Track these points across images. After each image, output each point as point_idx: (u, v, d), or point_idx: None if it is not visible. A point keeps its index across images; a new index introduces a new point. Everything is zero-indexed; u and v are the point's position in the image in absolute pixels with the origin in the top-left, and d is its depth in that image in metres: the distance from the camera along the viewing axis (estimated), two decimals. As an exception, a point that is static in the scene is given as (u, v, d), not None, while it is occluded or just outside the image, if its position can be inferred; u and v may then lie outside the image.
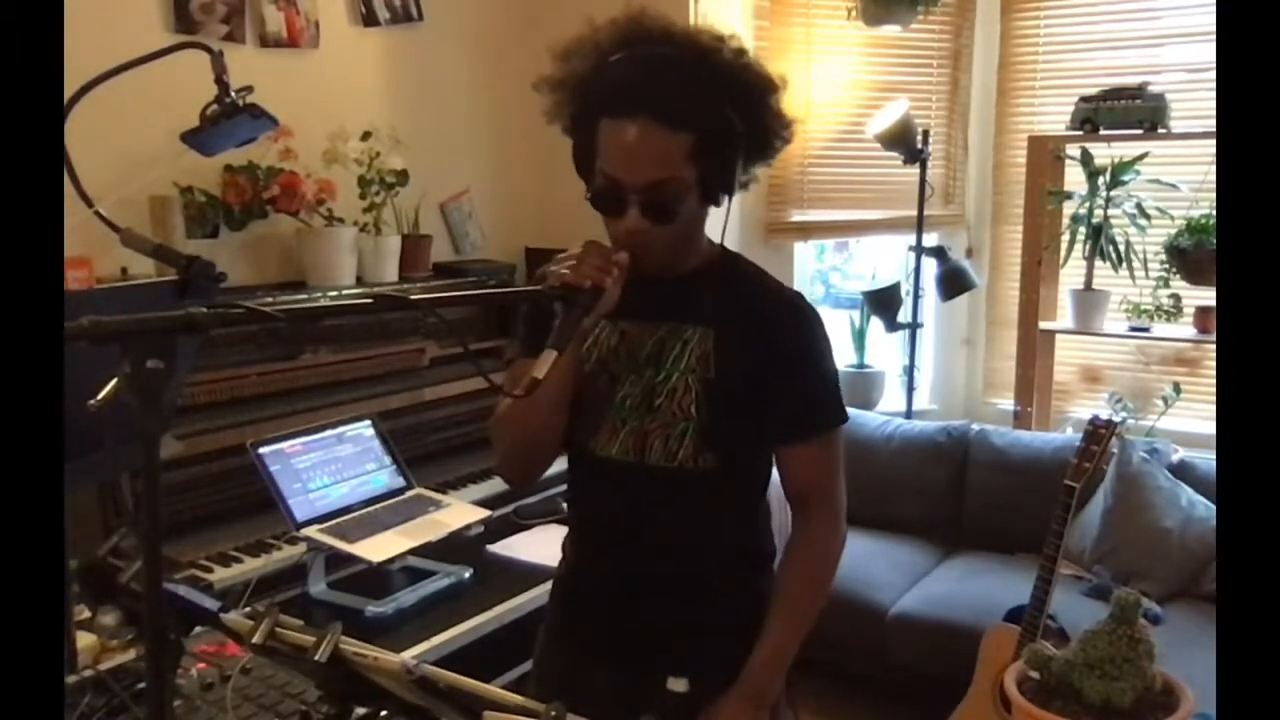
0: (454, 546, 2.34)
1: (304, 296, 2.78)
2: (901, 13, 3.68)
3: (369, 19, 3.20)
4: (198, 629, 1.20)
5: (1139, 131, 3.38)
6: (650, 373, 1.48)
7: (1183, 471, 3.26)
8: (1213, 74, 3.38)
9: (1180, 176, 3.48)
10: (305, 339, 2.71)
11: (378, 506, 2.38)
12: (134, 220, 2.01)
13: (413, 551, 2.25)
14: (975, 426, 3.64)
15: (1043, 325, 3.69)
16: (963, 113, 4.06)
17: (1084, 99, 3.48)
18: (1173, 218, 3.48)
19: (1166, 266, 3.51)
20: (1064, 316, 3.74)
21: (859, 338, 4.14)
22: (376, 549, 2.19)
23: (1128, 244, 3.56)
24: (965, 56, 4.02)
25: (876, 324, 4.01)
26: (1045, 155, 3.63)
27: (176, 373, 0.86)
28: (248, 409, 2.53)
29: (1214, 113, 3.36)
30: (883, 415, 3.82)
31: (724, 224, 1.47)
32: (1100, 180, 3.54)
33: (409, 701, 1.03)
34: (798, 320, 1.50)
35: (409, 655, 1.26)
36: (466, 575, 2.33)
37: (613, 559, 1.56)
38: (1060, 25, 3.87)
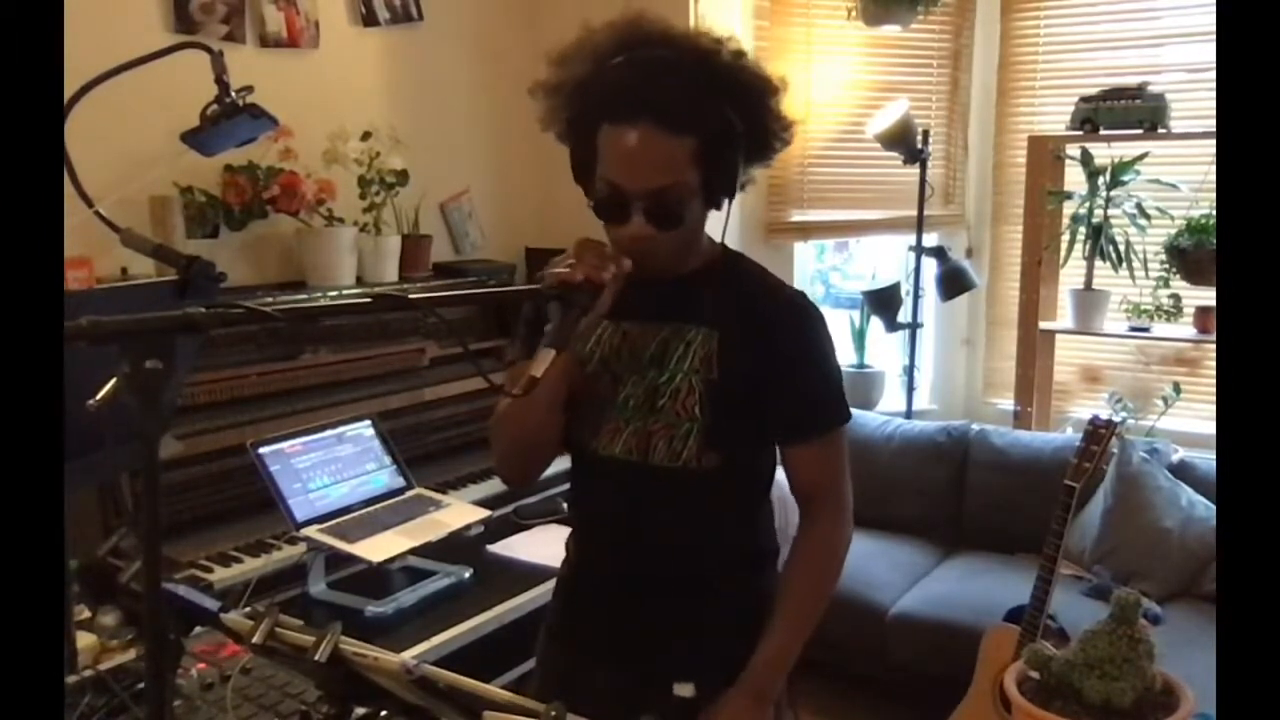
0: (454, 546, 2.34)
1: (304, 296, 2.78)
2: (901, 13, 3.68)
3: (369, 19, 3.20)
4: (198, 629, 1.20)
5: (1139, 131, 3.38)
6: (653, 373, 1.47)
7: (1183, 471, 3.26)
8: (1213, 74, 3.38)
9: (1180, 176, 3.48)
10: (305, 339, 2.71)
11: (378, 506, 2.38)
12: (134, 220, 2.01)
13: (413, 551, 2.25)
14: (975, 426, 3.64)
15: (1043, 325, 3.69)
16: (963, 113, 4.06)
17: (1084, 99, 3.48)
18: (1173, 218, 3.48)
19: (1166, 266, 3.51)
20: (1064, 316, 3.74)
21: (859, 338, 4.14)
22: (376, 549, 2.19)
23: (1128, 244, 3.56)
24: (965, 56, 4.02)
25: (876, 324, 4.01)
26: (1045, 155, 3.63)
27: (176, 373, 0.86)
28: (248, 409, 2.53)
29: (1214, 113, 3.36)
30: (883, 415, 3.82)
31: (724, 224, 1.47)
32: (1100, 180, 3.54)
33: (409, 701, 1.02)
34: (800, 320, 1.50)
35: (409, 655, 1.26)
36: (466, 575, 2.33)
37: (615, 559, 1.56)
38: (1060, 25, 3.87)
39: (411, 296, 1.17)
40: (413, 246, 3.16)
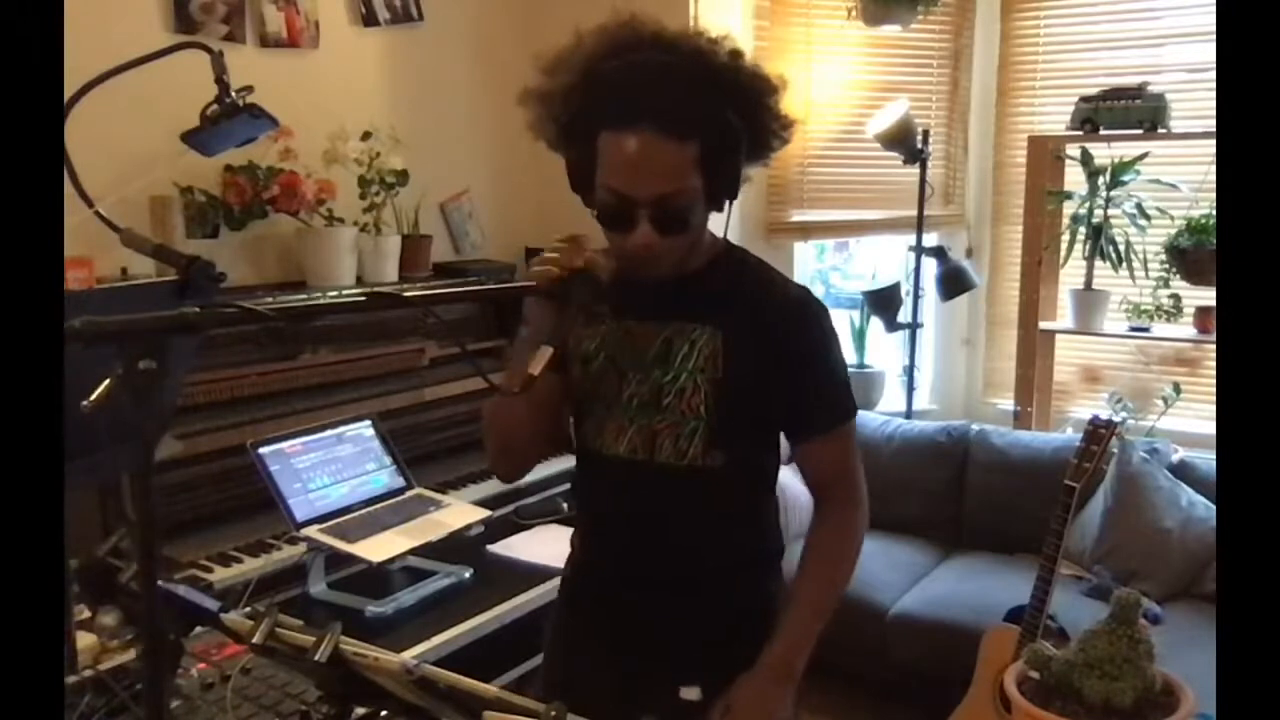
0: (454, 546, 2.34)
1: (303, 296, 2.78)
2: (901, 13, 3.68)
3: (369, 19, 3.20)
4: (198, 629, 1.20)
5: (1139, 131, 3.38)
6: (658, 372, 1.47)
7: (1183, 471, 3.25)
8: (1213, 74, 3.38)
9: (1180, 176, 3.48)
10: (305, 339, 2.71)
11: (378, 506, 2.38)
12: (134, 220, 2.02)
13: (413, 551, 2.25)
14: (975, 426, 3.64)
15: (1043, 325, 3.68)
16: (963, 113, 4.06)
17: (1084, 99, 3.48)
18: (1173, 218, 3.48)
19: (1166, 266, 3.51)
20: (1064, 316, 3.73)
21: (859, 338, 4.14)
22: (376, 549, 2.19)
23: (1128, 244, 3.56)
24: (965, 56, 4.02)
25: (876, 324, 4.01)
26: (1045, 155, 3.63)
27: (171, 373, 0.86)
28: (248, 409, 2.53)
29: (1214, 113, 3.36)
30: (883, 415, 3.82)
31: (726, 222, 1.47)
32: (1100, 180, 3.53)
33: (409, 701, 1.03)
34: (805, 316, 1.50)
35: (409, 655, 1.26)
36: (466, 575, 2.33)
37: (620, 557, 1.56)
38: (1060, 25, 3.87)
39: (407, 294, 1.17)
40: (413, 246, 3.16)
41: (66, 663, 1.47)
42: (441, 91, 3.45)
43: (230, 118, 1.96)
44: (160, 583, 0.92)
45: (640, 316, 1.49)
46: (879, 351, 4.21)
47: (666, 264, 1.41)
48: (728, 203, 1.43)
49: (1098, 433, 2.44)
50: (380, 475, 2.45)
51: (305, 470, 2.30)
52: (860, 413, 3.52)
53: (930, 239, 3.90)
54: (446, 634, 2.09)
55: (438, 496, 2.51)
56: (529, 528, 2.68)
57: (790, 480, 1.82)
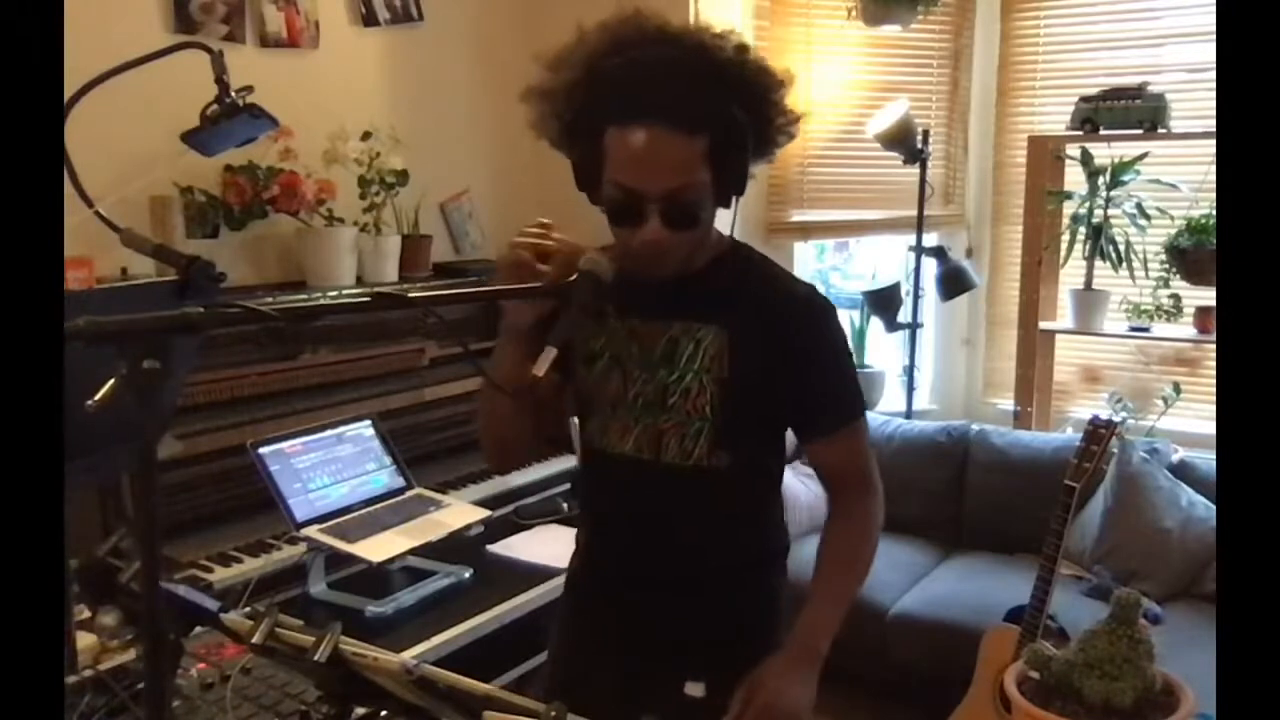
0: (454, 546, 2.34)
1: (304, 296, 2.78)
2: (901, 13, 3.68)
3: (369, 19, 3.20)
4: (198, 629, 1.20)
5: (1139, 131, 3.38)
6: (663, 372, 1.47)
7: (1183, 471, 3.25)
8: (1213, 74, 3.38)
9: (1180, 176, 3.48)
10: (305, 339, 2.71)
11: (378, 506, 2.38)
12: (134, 220, 2.01)
13: (413, 551, 2.25)
14: (975, 426, 3.64)
15: (1043, 325, 3.68)
16: (963, 113, 4.06)
17: (1084, 99, 3.48)
18: (1173, 218, 3.48)
19: (1166, 266, 3.51)
20: (1064, 316, 3.73)
21: (859, 338, 4.14)
22: (376, 549, 2.19)
23: (1128, 244, 3.56)
24: (965, 56, 4.02)
25: (876, 324, 4.01)
26: (1045, 155, 3.63)
27: (174, 373, 0.86)
28: (248, 409, 2.53)
29: (1214, 113, 3.36)
30: (883, 415, 3.81)
31: (732, 219, 1.46)
32: (1100, 180, 3.53)
33: (409, 701, 1.03)
34: (811, 315, 1.49)
35: (409, 655, 1.26)
36: (466, 575, 2.33)
37: (625, 556, 1.56)
38: (1060, 25, 3.87)
39: (410, 295, 1.17)
40: (413, 246, 3.16)
41: (66, 663, 1.47)
42: (441, 91, 3.45)
43: (230, 118, 1.96)
44: (160, 583, 0.92)
45: (645, 315, 1.48)
46: (879, 351, 4.21)
47: (675, 260, 1.41)
48: (734, 199, 1.42)
49: (1098, 433, 2.44)
50: (380, 475, 2.45)
51: (305, 470, 2.30)
52: (861, 413, 3.41)
53: (930, 239, 3.90)
54: (446, 634, 2.09)
55: (438, 496, 2.51)
56: (529, 528, 2.68)
57: (790, 480, 1.82)
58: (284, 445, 2.29)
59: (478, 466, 2.97)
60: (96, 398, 0.85)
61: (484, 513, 2.43)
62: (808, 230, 4.06)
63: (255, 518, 2.42)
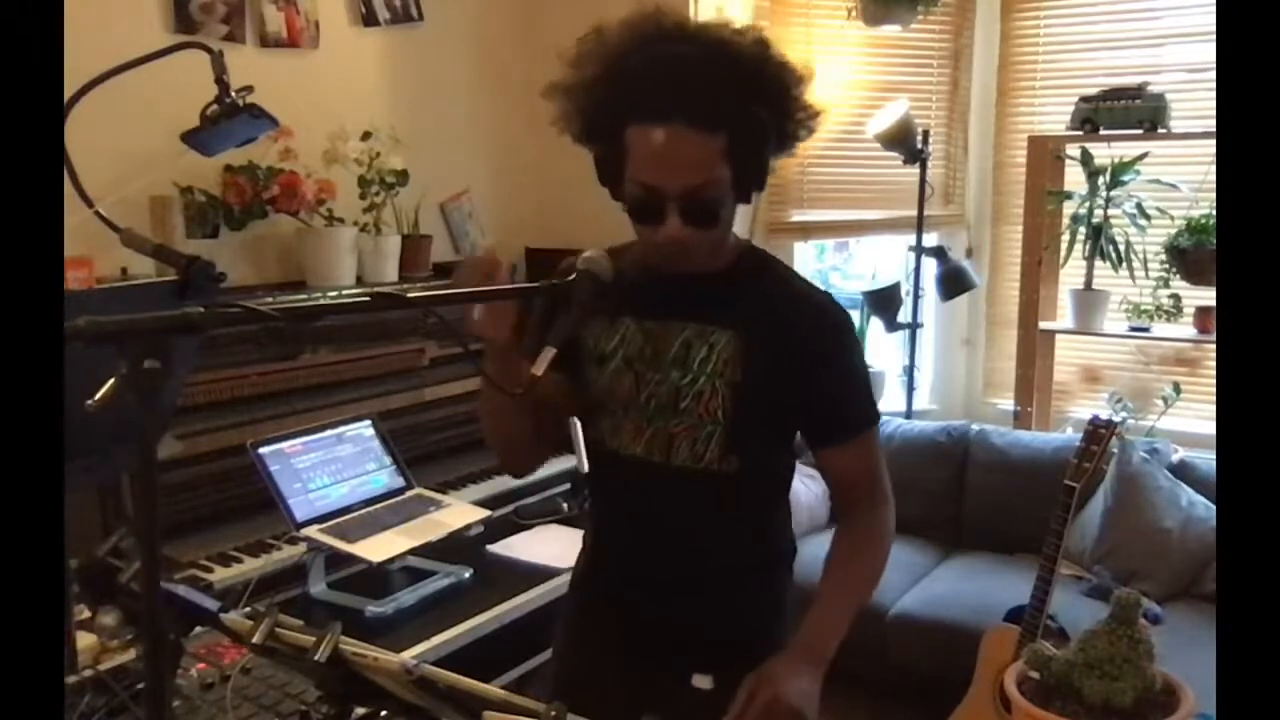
0: (454, 546, 2.34)
1: (304, 296, 2.78)
2: (901, 13, 3.68)
3: (369, 19, 3.20)
4: (198, 629, 1.20)
5: (1139, 131, 3.38)
6: (676, 374, 1.46)
7: (1183, 471, 3.26)
8: (1213, 74, 3.38)
9: (1180, 176, 3.48)
10: (305, 339, 2.71)
11: (378, 506, 2.38)
12: (134, 220, 2.01)
13: (413, 551, 2.25)
14: (975, 426, 3.64)
15: (1043, 325, 3.68)
16: (963, 113, 4.06)
17: (1084, 99, 3.48)
18: (1173, 218, 3.48)
19: (1166, 266, 3.51)
20: (1064, 316, 3.73)
21: (859, 338, 4.14)
22: (376, 549, 2.19)
23: (1128, 244, 3.56)
24: (965, 56, 4.02)
25: (876, 324, 4.01)
26: (1045, 155, 3.63)
27: (174, 373, 0.86)
28: (248, 409, 2.53)
29: (1214, 113, 3.36)
30: (883, 415, 3.80)
31: (752, 219, 1.46)
32: (1100, 180, 3.54)
33: (409, 701, 1.03)
34: (825, 322, 1.48)
35: (409, 655, 1.26)
36: (466, 575, 2.33)
37: (631, 556, 1.56)
38: (1060, 25, 3.87)
39: (410, 295, 1.17)
40: (413, 246, 3.16)
41: (66, 663, 1.47)
42: (441, 91, 3.45)
43: (230, 118, 1.96)
44: (160, 583, 0.92)
45: (659, 317, 1.48)
46: (879, 351, 4.21)
47: (696, 258, 1.41)
48: (756, 196, 1.41)
49: (1098, 433, 2.44)
50: (380, 475, 2.45)
51: (305, 470, 2.30)
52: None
53: (930, 239, 3.90)
54: (446, 634, 2.09)
55: (438, 496, 2.51)
56: (529, 528, 2.68)
57: (799, 488, 1.81)
58: (284, 445, 2.29)
59: (478, 466, 2.97)
60: (96, 398, 0.85)
61: (484, 513, 2.43)
62: (808, 230, 4.06)
63: (255, 518, 2.42)
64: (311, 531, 2.21)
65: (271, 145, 2.71)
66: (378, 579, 2.24)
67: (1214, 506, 3.12)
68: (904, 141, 3.70)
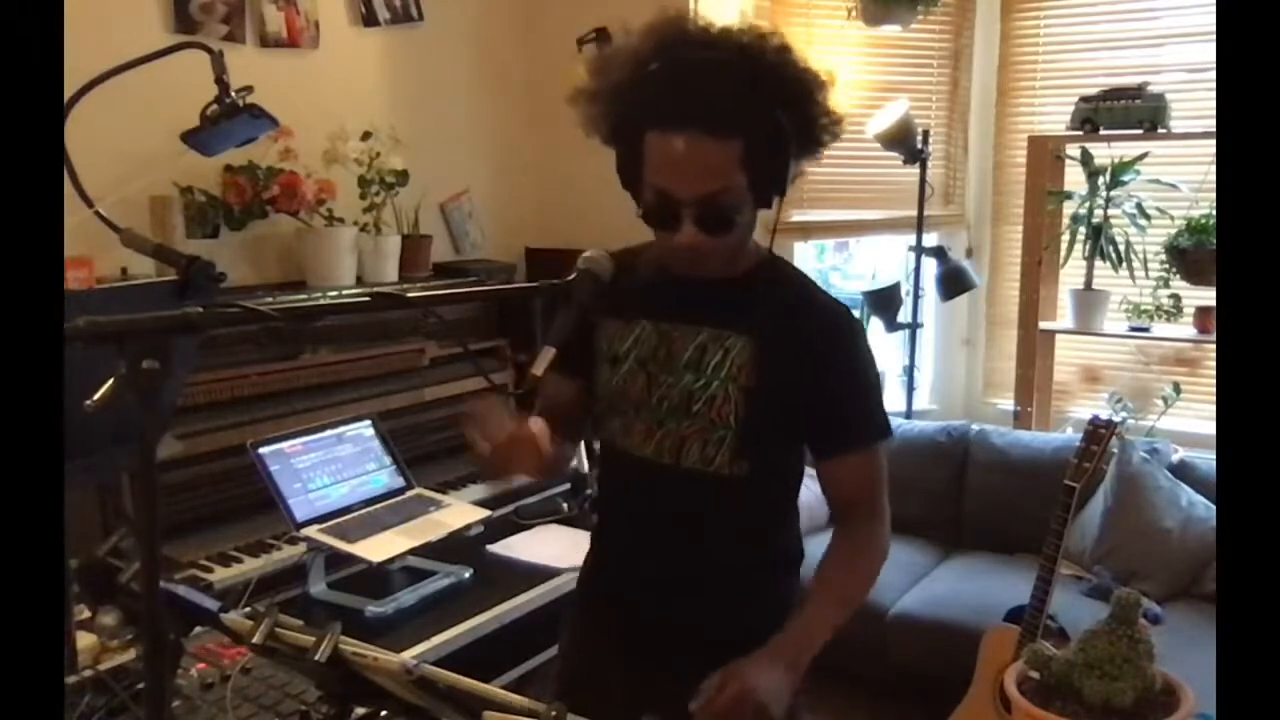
0: (454, 546, 2.34)
1: (304, 296, 2.78)
2: (901, 13, 3.68)
3: (369, 19, 3.20)
4: (198, 629, 1.20)
5: (1139, 131, 3.38)
6: (690, 378, 1.47)
7: (1183, 471, 3.25)
8: (1213, 74, 3.38)
9: (1180, 176, 3.48)
10: (305, 339, 2.71)
11: (378, 506, 2.38)
12: (134, 220, 2.02)
13: (413, 551, 2.25)
14: (975, 426, 3.64)
15: (1043, 325, 3.68)
16: (963, 113, 4.06)
17: (1084, 99, 3.48)
18: (1173, 218, 3.48)
19: (1166, 266, 3.51)
20: (1064, 316, 3.73)
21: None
22: (376, 549, 2.19)
23: (1128, 244, 3.56)
24: (965, 56, 4.02)
25: (876, 324, 4.01)
26: (1045, 155, 3.63)
27: (174, 373, 0.87)
28: (248, 409, 2.53)
29: (1214, 113, 3.36)
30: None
31: (774, 224, 1.46)
32: (1100, 180, 3.53)
33: (409, 701, 1.03)
34: (840, 334, 1.48)
35: (409, 655, 1.26)
36: (466, 575, 2.33)
37: (639, 557, 1.56)
38: (1060, 25, 3.87)
39: (410, 295, 1.17)
40: (413, 246, 3.16)
41: (66, 663, 1.47)
42: (441, 91, 3.45)
43: (230, 118, 1.96)
44: (160, 583, 0.92)
45: (675, 319, 1.48)
46: (879, 352, 4.20)
47: (714, 263, 1.42)
48: (777, 201, 1.41)
49: (1098, 433, 2.44)
50: (380, 475, 2.45)
51: (305, 470, 2.30)
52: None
53: (930, 239, 3.90)
54: (446, 634, 2.09)
55: (438, 496, 2.51)
56: (529, 528, 2.68)
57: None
58: (284, 445, 2.29)
59: (477, 466, 2.97)
60: (96, 398, 0.85)
61: (484, 513, 2.43)
62: (808, 230, 4.05)
63: (255, 518, 2.42)
64: (311, 531, 2.21)
65: (271, 145, 2.71)
66: (378, 579, 2.24)
67: (1214, 506, 3.12)
68: (904, 141, 3.69)
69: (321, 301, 2.67)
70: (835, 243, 4.58)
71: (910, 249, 3.90)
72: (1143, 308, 3.60)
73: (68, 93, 1.65)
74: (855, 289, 4.36)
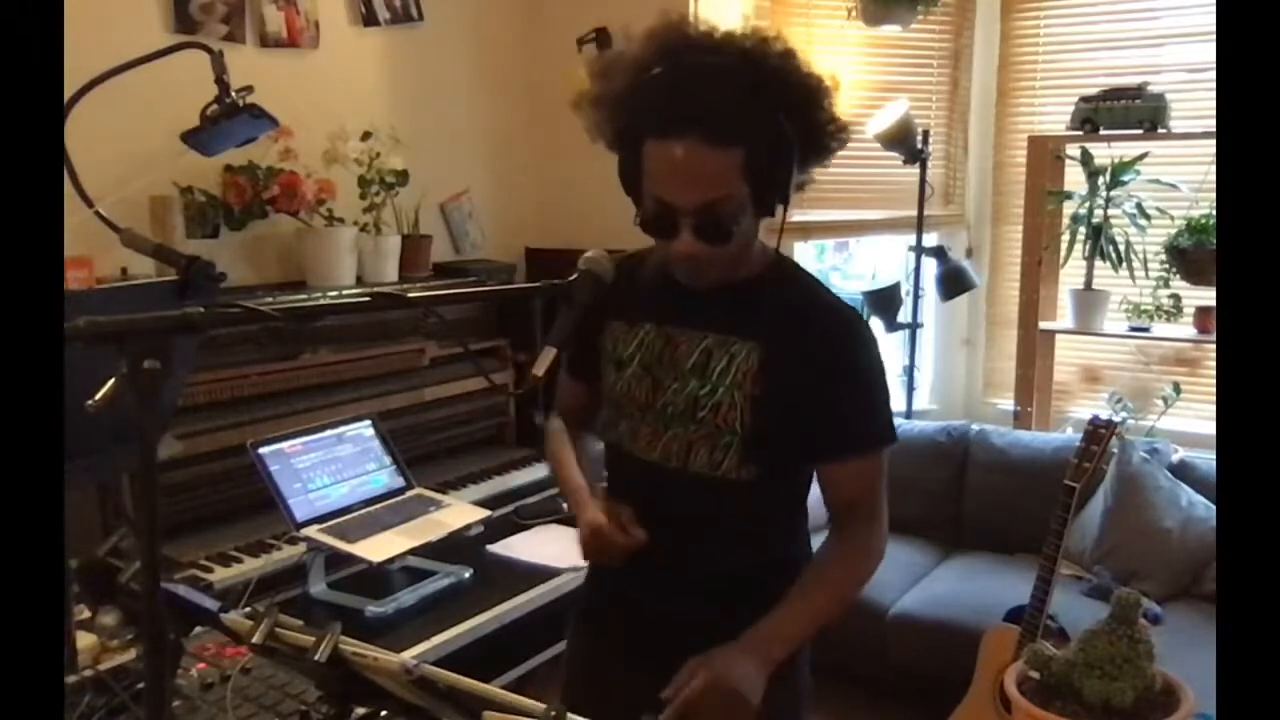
0: (454, 546, 2.34)
1: (303, 296, 2.78)
2: (901, 13, 3.68)
3: (369, 19, 3.20)
4: (198, 629, 1.20)
5: (1139, 131, 3.38)
6: (695, 383, 1.46)
7: (1183, 471, 3.26)
8: (1213, 74, 3.38)
9: (1180, 176, 3.48)
10: (305, 339, 2.71)
11: (378, 506, 2.38)
12: (134, 220, 2.02)
13: (413, 551, 2.25)
14: (975, 426, 3.64)
15: (1043, 325, 3.68)
16: (963, 113, 4.06)
17: (1084, 99, 3.48)
18: (1173, 218, 3.48)
19: (1166, 266, 3.51)
20: (1064, 316, 3.74)
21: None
22: (376, 549, 2.19)
23: (1128, 244, 3.56)
24: (965, 56, 4.02)
25: (876, 324, 4.01)
26: (1045, 155, 3.63)
27: (174, 373, 0.87)
28: (248, 409, 2.53)
29: (1214, 113, 3.36)
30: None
31: (780, 229, 1.44)
32: (1100, 180, 3.54)
33: (409, 701, 1.03)
34: (846, 337, 1.46)
35: (409, 655, 1.26)
36: (466, 575, 2.33)
37: (647, 560, 1.55)
38: (1060, 25, 3.87)
39: (410, 295, 1.17)
40: (413, 246, 3.15)
41: (66, 663, 1.47)
42: (441, 91, 3.45)
43: (230, 118, 1.96)
44: (160, 583, 0.92)
45: (680, 324, 1.47)
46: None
47: (714, 271, 1.40)
48: (782, 209, 1.39)
49: (1098, 433, 2.44)
50: (380, 475, 2.45)
51: (305, 470, 2.30)
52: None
53: (930, 239, 3.90)
54: (446, 634, 2.09)
55: (438, 496, 2.51)
56: (529, 528, 2.68)
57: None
58: (284, 445, 2.29)
59: (478, 466, 2.97)
60: (96, 398, 0.85)
61: (484, 513, 2.43)
62: (808, 230, 4.05)
63: (255, 518, 2.42)
64: (311, 531, 2.21)
65: (271, 145, 2.71)
66: (378, 579, 2.24)
67: (1214, 506, 3.12)
68: (904, 141, 3.70)
69: (321, 301, 2.67)
70: (835, 243, 4.58)
71: (910, 249, 3.90)
72: (1143, 308, 3.60)
73: (68, 93, 1.65)
74: (855, 289, 4.36)
